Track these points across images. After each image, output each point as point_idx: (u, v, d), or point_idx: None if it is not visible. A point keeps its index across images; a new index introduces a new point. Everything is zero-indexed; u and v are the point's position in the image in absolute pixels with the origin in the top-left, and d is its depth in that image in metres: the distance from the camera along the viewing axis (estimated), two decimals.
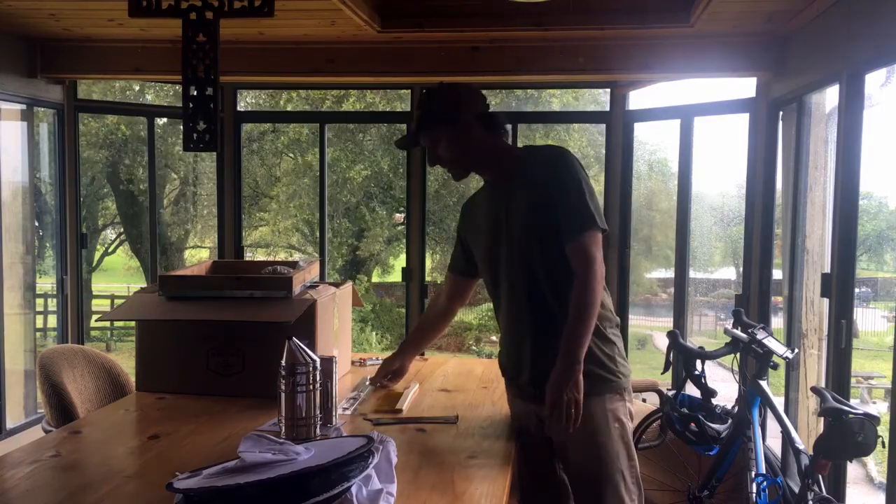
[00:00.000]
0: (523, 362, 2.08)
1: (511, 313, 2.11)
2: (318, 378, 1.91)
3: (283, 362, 1.89)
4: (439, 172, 13.07)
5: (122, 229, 15.85)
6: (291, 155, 13.99)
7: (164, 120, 11.09)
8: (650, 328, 13.87)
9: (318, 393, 1.92)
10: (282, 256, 14.93)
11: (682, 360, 2.89)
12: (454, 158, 2.09)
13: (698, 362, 2.84)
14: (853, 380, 2.96)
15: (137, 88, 12.27)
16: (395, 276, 15.86)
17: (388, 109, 12.39)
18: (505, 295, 2.11)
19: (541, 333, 2.04)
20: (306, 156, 13.28)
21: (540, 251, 2.00)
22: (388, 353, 2.57)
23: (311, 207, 13.31)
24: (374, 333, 14.56)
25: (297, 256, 14.60)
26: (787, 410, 3.49)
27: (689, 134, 4.20)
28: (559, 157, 2.01)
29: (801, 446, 2.63)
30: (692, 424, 2.78)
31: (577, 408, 1.87)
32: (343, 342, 2.74)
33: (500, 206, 2.09)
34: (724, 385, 2.99)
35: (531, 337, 2.05)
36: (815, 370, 3.58)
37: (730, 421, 2.82)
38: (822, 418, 2.53)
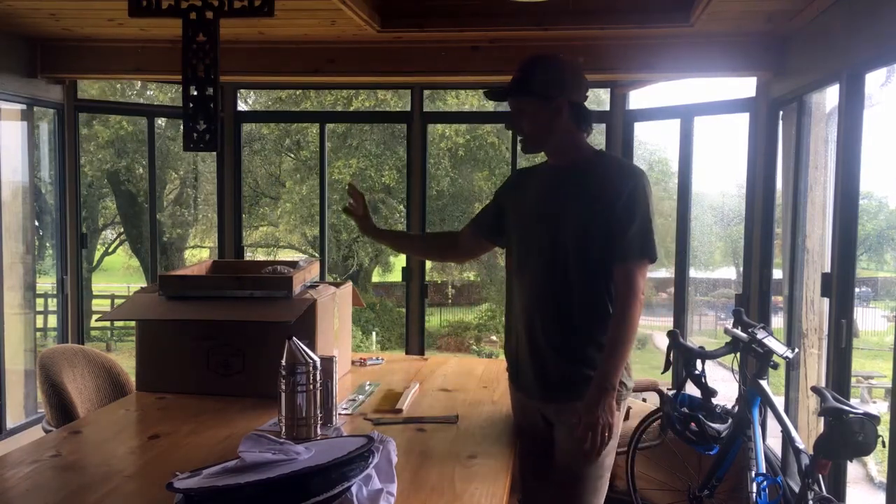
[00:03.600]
0: (532, 359, 2.06)
1: (529, 305, 2.07)
2: (318, 378, 1.91)
3: (283, 362, 1.89)
4: (440, 172, 13.20)
5: (122, 229, 15.87)
6: (292, 155, 13.99)
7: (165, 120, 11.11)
8: (650, 328, 13.87)
9: (318, 393, 1.92)
10: (282, 256, 14.94)
11: (683, 359, 2.89)
12: (532, 134, 2.05)
13: (698, 362, 2.84)
14: (853, 379, 2.96)
15: (139, 86, 12.29)
16: (396, 276, 15.87)
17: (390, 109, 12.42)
18: (528, 283, 2.08)
19: (556, 333, 2.02)
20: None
21: (583, 256, 1.98)
22: (388, 353, 2.57)
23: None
24: (374, 333, 14.58)
25: (297, 256, 14.61)
26: (787, 410, 3.48)
27: (689, 134, 4.20)
28: (638, 180, 1.99)
29: (801, 446, 2.63)
30: (692, 424, 2.78)
31: (609, 431, 1.91)
32: (343, 342, 2.74)
33: (557, 195, 2.05)
34: (724, 385, 2.98)
35: (545, 335, 2.03)
36: (815, 370, 3.58)
37: (730, 420, 2.82)
38: (822, 418, 2.53)
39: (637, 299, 1.94)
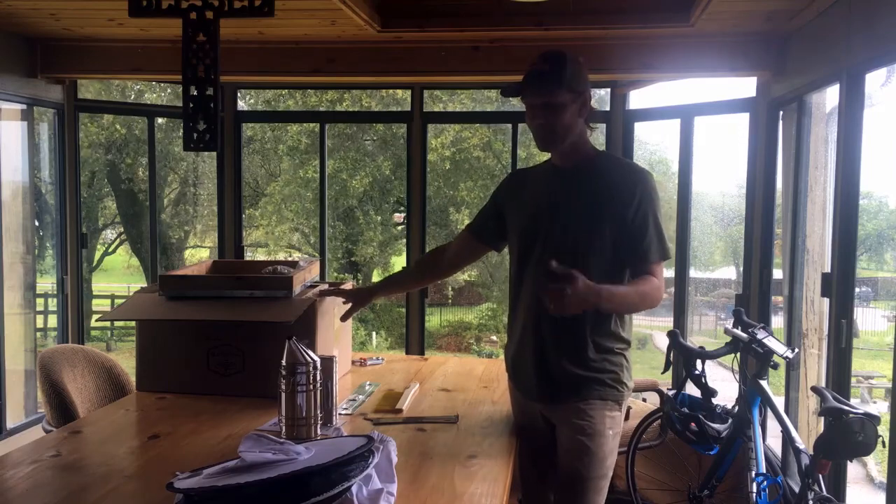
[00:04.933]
0: (535, 359, 2.06)
1: (535, 304, 2.05)
2: (318, 378, 1.91)
3: (283, 362, 1.89)
4: (440, 172, 13.21)
5: (122, 229, 15.87)
6: (289, 158, 14.02)
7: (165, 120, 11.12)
8: (650, 328, 13.87)
9: (318, 393, 1.92)
10: (281, 256, 14.94)
11: (683, 359, 2.89)
12: (561, 127, 2.00)
13: (698, 362, 2.84)
14: (853, 379, 2.96)
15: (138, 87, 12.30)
16: None
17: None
18: (532, 283, 2.07)
19: (562, 332, 2.02)
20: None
21: (591, 256, 1.97)
22: (388, 353, 2.57)
23: (309, 212, 13.36)
24: (373, 333, 14.58)
25: (296, 256, 14.62)
26: (787, 410, 3.49)
27: (689, 133, 4.20)
28: (646, 182, 2.00)
29: (801, 446, 2.63)
30: (692, 424, 2.78)
31: (564, 296, 1.74)
32: (343, 342, 2.74)
33: (561, 193, 2.05)
34: (724, 385, 2.98)
35: (550, 337, 2.03)
36: (815, 370, 3.58)
37: (730, 421, 2.82)
38: (822, 418, 2.53)
39: (660, 292, 1.96)
